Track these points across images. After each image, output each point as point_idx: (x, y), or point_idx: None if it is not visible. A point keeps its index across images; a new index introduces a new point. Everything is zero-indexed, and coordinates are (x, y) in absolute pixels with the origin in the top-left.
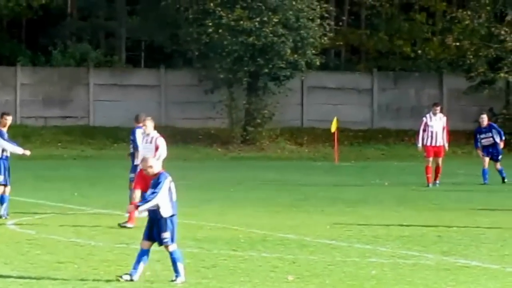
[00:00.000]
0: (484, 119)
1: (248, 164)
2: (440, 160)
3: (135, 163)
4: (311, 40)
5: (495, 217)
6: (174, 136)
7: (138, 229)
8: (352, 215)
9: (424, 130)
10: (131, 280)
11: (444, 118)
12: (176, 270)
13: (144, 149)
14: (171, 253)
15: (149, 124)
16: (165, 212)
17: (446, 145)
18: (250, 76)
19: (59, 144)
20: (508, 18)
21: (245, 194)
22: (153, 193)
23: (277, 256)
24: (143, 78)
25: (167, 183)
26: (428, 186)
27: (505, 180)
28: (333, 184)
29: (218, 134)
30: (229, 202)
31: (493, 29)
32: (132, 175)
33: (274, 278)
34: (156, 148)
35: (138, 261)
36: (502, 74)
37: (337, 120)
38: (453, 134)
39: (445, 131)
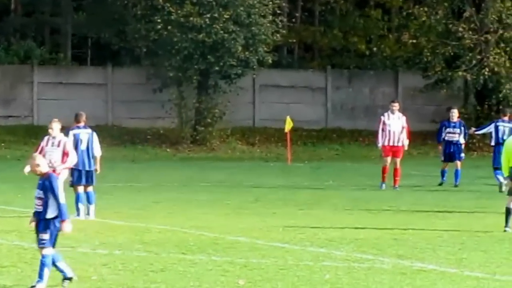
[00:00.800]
0: (455, 114)
1: (198, 165)
2: (398, 162)
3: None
4: (263, 37)
5: (453, 220)
6: (121, 136)
7: (82, 231)
8: (305, 218)
9: (382, 130)
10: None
11: (403, 118)
12: (40, 275)
13: (48, 152)
14: (43, 256)
15: (55, 126)
16: (51, 213)
17: (406, 144)
18: (200, 74)
19: (2, 144)
20: (466, 14)
21: (195, 195)
22: (56, 198)
23: (227, 260)
24: (89, 76)
25: (61, 184)
26: (381, 186)
27: (457, 185)
28: (285, 186)
29: (167, 134)
30: (178, 204)
31: (450, 26)
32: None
33: (224, 282)
34: (65, 154)
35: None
36: (460, 73)
37: (291, 119)
38: (409, 134)
39: (404, 130)
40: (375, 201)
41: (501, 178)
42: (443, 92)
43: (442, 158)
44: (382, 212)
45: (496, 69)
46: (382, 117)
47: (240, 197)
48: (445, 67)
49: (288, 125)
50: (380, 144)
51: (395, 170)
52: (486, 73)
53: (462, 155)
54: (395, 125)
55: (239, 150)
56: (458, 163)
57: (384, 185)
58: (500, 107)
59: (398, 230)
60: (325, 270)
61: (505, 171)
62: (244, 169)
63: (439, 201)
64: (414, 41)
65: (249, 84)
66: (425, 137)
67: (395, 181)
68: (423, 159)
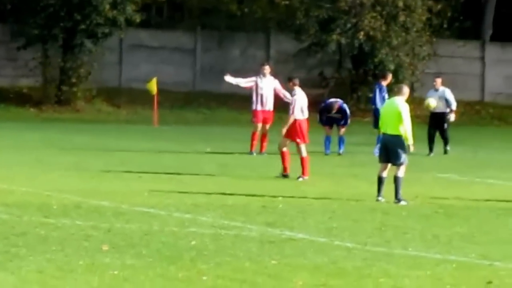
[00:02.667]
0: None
1: (62, 126)
2: (267, 128)
3: None
4: None
5: (324, 188)
6: None
7: None
8: (171, 182)
9: (256, 93)
10: None
11: (276, 81)
12: None
13: None
14: None
15: None
16: None
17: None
18: (66, 32)
19: None
20: None
21: (58, 157)
22: None
23: (91, 224)
24: None
25: None
26: (251, 153)
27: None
28: (151, 149)
29: (31, 94)
30: (41, 166)
31: None
32: None
33: (88, 247)
34: None
35: None
36: (334, 36)
37: (157, 81)
38: (280, 99)
39: (282, 92)
40: (243, 167)
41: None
42: (318, 56)
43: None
44: (251, 178)
45: (371, 33)
46: (254, 79)
47: (105, 160)
48: (319, 31)
49: (153, 87)
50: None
51: (263, 136)
52: (361, 37)
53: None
54: (267, 89)
55: (104, 112)
56: (342, 129)
57: (254, 153)
58: (376, 71)
59: (267, 198)
60: (191, 236)
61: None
62: (109, 131)
63: (310, 168)
64: (287, 2)
65: (116, 44)
66: None
67: (262, 147)
68: None
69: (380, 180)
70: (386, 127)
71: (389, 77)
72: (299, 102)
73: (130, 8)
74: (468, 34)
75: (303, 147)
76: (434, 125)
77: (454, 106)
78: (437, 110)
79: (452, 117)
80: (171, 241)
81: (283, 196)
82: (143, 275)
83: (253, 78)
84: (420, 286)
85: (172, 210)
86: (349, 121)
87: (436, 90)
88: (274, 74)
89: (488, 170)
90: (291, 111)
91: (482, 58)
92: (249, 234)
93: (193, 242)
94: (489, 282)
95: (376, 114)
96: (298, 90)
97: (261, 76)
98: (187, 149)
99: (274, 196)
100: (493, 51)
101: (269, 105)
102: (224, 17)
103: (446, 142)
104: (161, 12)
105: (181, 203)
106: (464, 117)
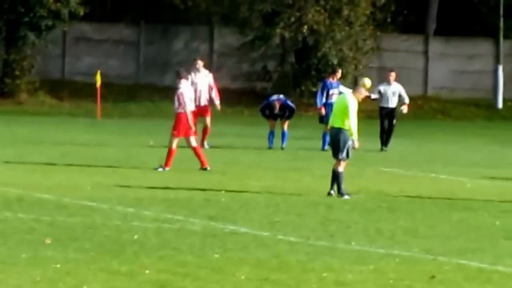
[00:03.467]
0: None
1: (5, 119)
2: (208, 120)
3: None
4: None
5: (267, 181)
6: None
7: None
8: (114, 176)
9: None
10: None
11: (210, 75)
12: None
13: None
14: None
15: None
16: None
17: (218, 103)
18: (9, 25)
19: None
20: None
21: (1, 150)
22: None
23: (33, 218)
24: None
25: None
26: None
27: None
28: (94, 142)
29: None
30: None
31: None
32: None
33: (30, 240)
34: None
35: None
36: (278, 30)
37: (101, 73)
38: (224, 92)
39: (214, 90)
40: (186, 160)
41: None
42: (261, 50)
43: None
44: (193, 172)
45: (315, 27)
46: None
47: (48, 153)
48: (263, 24)
49: (97, 80)
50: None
51: (205, 128)
52: (304, 31)
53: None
54: (201, 83)
55: (47, 104)
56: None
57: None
58: (319, 66)
59: (210, 191)
60: (134, 230)
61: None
62: (52, 124)
63: (253, 162)
64: None
65: (60, 36)
66: (240, 95)
67: (203, 137)
68: (238, 117)
69: (335, 175)
70: (334, 120)
71: (339, 73)
72: (187, 94)
73: (73, 1)
74: (412, 28)
75: (192, 138)
76: (387, 119)
77: (407, 100)
78: (390, 105)
79: (405, 108)
80: (114, 235)
81: (226, 190)
82: (85, 268)
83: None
84: (363, 280)
85: (115, 204)
86: (293, 115)
87: (390, 84)
88: (218, 67)
89: (432, 164)
90: (182, 104)
91: (426, 52)
92: (191, 228)
93: (136, 236)
94: (432, 277)
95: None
96: (183, 83)
97: (195, 71)
98: (130, 143)
99: (217, 190)
100: (437, 45)
101: (204, 100)
102: (168, 10)
103: (388, 139)
104: (105, 5)
105: (124, 197)
106: (408, 111)
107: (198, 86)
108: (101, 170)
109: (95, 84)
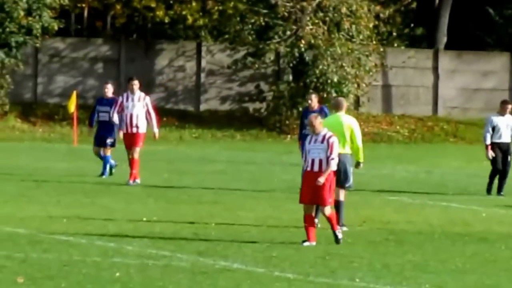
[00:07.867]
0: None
1: None
2: (137, 151)
3: None
4: (48, 1)
5: (262, 212)
6: None
7: None
8: (93, 208)
9: (119, 113)
10: None
11: (147, 98)
12: None
13: None
14: None
15: None
16: None
17: (156, 130)
18: None
19: None
20: None
21: None
22: None
23: (4, 254)
24: None
25: None
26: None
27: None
28: (71, 170)
29: None
30: None
31: None
32: None
33: (1, 279)
34: None
35: None
36: (272, 45)
37: (77, 95)
38: (213, 115)
39: (152, 115)
40: (172, 190)
41: None
42: (254, 67)
43: None
44: (181, 202)
45: (313, 41)
46: (120, 98)
47: (20, 183)
48: (256, 39)
49: (72, 102)
50: (121, 133)
51: (132, 160)
52: (302, 45)
53: None
54: (135, 108)
55: (18, 129)
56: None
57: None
58: (318, 84)
59: (199, 224)
60: (115, 267)
61: None
62: (25, 150)
63: (248, 190)
64: (220, 8)
65: (32, 54)
66: (230, 118)
67: (130, 174)
68: (230, 142)
69: (338, 204)
70: None
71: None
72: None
73: (47, 15)
74: (420, 42)
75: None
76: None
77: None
78: (504, 140)
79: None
80: (93, 273)
81: (217, 223)
82: None
83: (119, 100)
84: None
85: (94, 239)
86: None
87: (503, 115)
88: (206, 87)
89: (442, 192)
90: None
91: (436, 69)
92: (179, 265)
93: (117, 274)
94: None
95: None
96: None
97: (128, 93)
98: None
99: (207, 223)
100: (447, 60)
101: (136, 127)
102: (151, 24)
103: (502, 181)
104: (81, 19)
105: (104, 231)
106: (416, 133)
107: (129, 111)
108: (79, 201)
109: (69, 107)
